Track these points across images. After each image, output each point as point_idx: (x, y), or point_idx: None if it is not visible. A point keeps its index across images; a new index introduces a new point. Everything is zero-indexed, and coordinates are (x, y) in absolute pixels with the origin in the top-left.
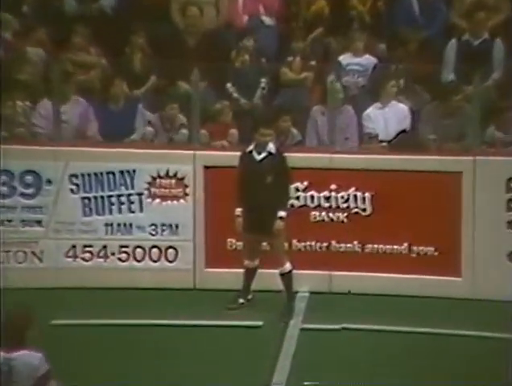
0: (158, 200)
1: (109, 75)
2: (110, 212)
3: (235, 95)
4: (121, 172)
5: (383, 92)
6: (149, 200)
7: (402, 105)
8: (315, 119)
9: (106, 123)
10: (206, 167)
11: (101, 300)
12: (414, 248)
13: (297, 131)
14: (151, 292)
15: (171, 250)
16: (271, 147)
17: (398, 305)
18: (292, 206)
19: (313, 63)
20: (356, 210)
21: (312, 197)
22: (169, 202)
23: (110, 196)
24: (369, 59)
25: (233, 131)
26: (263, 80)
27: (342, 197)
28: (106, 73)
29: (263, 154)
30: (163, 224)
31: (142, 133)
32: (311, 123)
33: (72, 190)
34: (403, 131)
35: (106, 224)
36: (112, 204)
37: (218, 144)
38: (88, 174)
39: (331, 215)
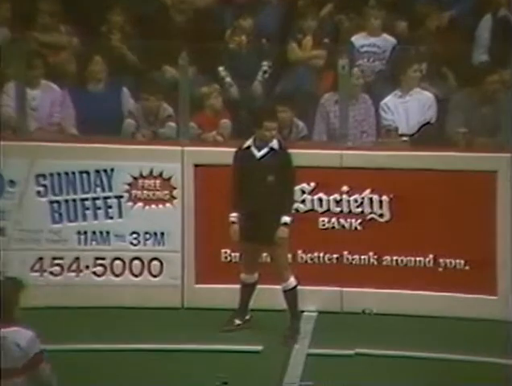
0: (140, 204)
1: (86, 53)
2: (84, 218)
3: (228, 80)
4: (97, 171)
5: (404, 78)
6: (129, 204)
7: (426, 93)
8: (327, 109)
9: (85, 110)
10: (196, 166)
11: (73, 321)
12: (441, 260)
13: (303, 123)
14: (132, 311)
15: (155, 262)
16: (274, 142)
17: (421, 327)
18: (297, 211)
19: (326, 40)
20: (371, 215)
21: (321, 200)
22: (153, 206)
23: (84, 199)
24: (386, 40)
25: (225, 121)
26: (265, 63)
27: (355, 200)
28: (81, 52)
29: (264, 150)
30: (147, 232)
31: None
32: (322, 114)
33: (38, 193)
34: (427, 123)
35: (79, 233)
36: (86, 209)
37: (209, 136)
38: (58, 174)
39: (342, 221)
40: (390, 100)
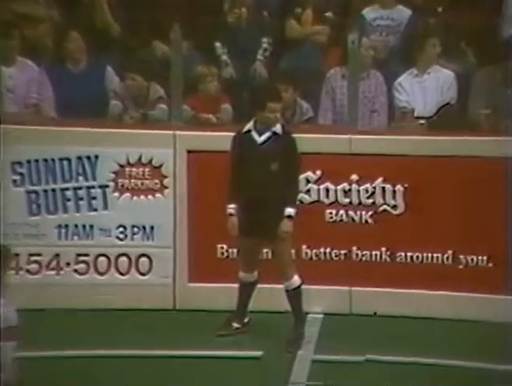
0: (127, 195)
1: (63, 28)
2: (65, 210)
3: (224, 58)
4: (79, 158)
5: (421, 55)
6: (115, 195)
7: (445, 71)
8: (332, 85)
9: (65, 91)
10: (190, 152)
11: (52, 325)
12: (461, 257)
13: (307, 104)
14: (119, 313)
15: (144, 259)
16: (277, 126)
17: (438, 331)
18: (302, 202)
19: (329, 14)
20: (384, 207)
21: (327, 190)
22: (142, 197)
23: (65, 189)
24: (402, 12)
25: (226, 106)
26: (265, 39)
27: (366, 190)
28: (59, 26)
29: (266, 135)
30: (134, 226)
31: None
32: (327, 89)
33: (14, 182)
34: (447, 104)
35: (59, 226)
36: (67, 200)
37: (204, 118)
38: (36, 161)
39: (351, 213)
40: (405, 79)
